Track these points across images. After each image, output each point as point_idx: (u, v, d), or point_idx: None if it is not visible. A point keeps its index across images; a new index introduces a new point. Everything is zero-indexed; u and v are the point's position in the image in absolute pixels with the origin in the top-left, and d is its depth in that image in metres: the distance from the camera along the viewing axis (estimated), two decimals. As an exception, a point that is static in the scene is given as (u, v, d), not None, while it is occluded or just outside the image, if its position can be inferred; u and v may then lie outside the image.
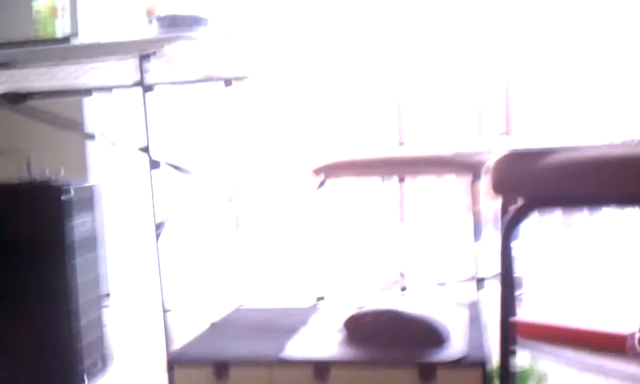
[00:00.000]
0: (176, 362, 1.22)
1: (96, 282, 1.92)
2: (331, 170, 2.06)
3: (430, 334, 1.20)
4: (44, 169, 3.09)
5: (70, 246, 1.77)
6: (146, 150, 1.76)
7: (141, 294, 3.14)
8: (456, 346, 1.17)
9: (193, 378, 1.20)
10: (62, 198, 1.75)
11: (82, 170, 3.13)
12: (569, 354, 1.85)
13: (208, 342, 1.31)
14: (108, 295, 2.13)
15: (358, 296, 2.73)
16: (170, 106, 3.14)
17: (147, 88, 1.73)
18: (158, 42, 1.63)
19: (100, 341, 1.92)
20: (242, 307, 1.60)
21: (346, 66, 3.10)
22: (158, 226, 1.77)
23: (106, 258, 2.62)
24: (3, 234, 1.77)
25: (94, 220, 1.92)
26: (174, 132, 3.16)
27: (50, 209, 1.75)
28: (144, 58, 1.70)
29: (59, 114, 3.09)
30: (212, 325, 1.44)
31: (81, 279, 1.82)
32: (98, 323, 1.91)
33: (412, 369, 1.11)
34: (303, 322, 1.41)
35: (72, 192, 1.80)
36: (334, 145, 3.21)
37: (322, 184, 2.12)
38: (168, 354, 1.54)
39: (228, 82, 2.31)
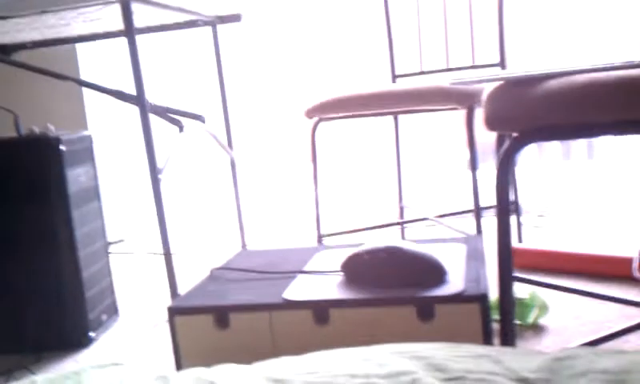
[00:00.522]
0: (177, 311, 1.22)
1: (98, 232, 1.92)
2: (324, 110, 2.04)
3: (428, 270, 1.20)
4: (38, 123, 3.07)
5: (71, 197, 1.77)
6: (136, 98, 1.74)
7: (143, 244, 3.16)
8: (455, 280, 1.17)
9: (194, 326, 1.21)
10: (60, 148, 1.74)
11: (79, 120, 3.11)
12: (570, 282, 1.86)
13: (209, 288, 1.32)
14: (110, 245, 2.14)
15: (358, 235, 2.74)
16: (160, 50, 3.09)
17: (134, 34, 1.70)
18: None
19: (104, 292, 1.93)
20: (243, 251, 1.60)
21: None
22: (157, 172, 1.76)
23: (108, 208, 2.63)
24: (4, 188, 1.77)
25: (93, 170, 1.92)
26: (164, 78, 3.12)
27: (49, 161, 1.74)
28: (129, 1, 1.66)
29: (52, 65, 3.06)
30: (213, 270, 1.45)
31: (83, 230, 1.82)
32: (102, 274, 1.92)
33: (410, 306, 1.11)
34: (304, 264, 1.41)
35: (70, 143, 1.79)
36: (327, 85, 3.17)
37: (316, 125, 2.10)
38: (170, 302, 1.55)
39: (217, 23, 2.26)
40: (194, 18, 2.15)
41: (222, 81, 2.28)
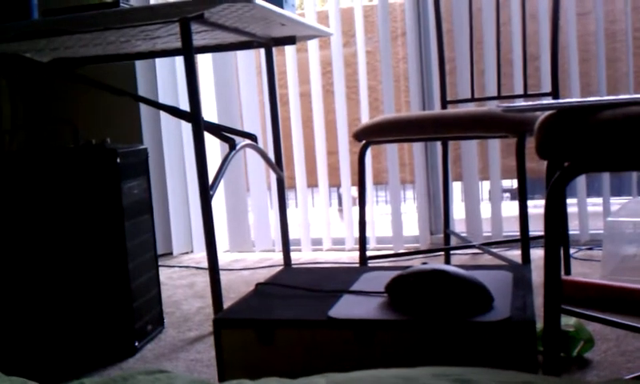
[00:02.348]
0: (222, 323, 1.24)
1: (148, 244, 1.96)
2: (373, 133, 2.05)
3: (474, 296, 1.20)
4: (96, 135, 3.16)
5: (125, 209, 1.82)
6: (191, 115, 1.78)
7: (192, 256, 3.21)
8: (501, 307, 1.17)
9: (238, 339, 1.23)
10: (117, 161, 1.79)
11: (135, 134, 3.19)
12: (617, 316, 1.82)
13: (254, 302, 1.34)
14: (159, 257, 2.18)
15: (402, 259, 2.74)
16: (215, 69, 3.16)
17: (192, 52, 1.75)
18: (203, 5, 1.63)
19: (151, 303, 1.97)
20: (288, 268, 1.62)
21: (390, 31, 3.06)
22: (208, 188, 1.79)
23: (158, 221, 2.69)
24: (60, 196, 1.83)
25: (146, 183, 1.97)
26: (217, 96, 3.18)
27: (105, 172, 1.80)
28: (189, 21, 1.71)
29: (111, 80, 3.16)
30: (258, 285, 1.47)
31: (134, 241, 1.87)
32: (150, 285, 1.96)
33: (454, 331, 1.11)
34: (348, 284, 1.42)
35: (125, 156, 1.84)
36: (376, 108, 3.19)
37: (364, 148, 2.11)
38: (215, 315, 1.57)
39: (271, 45, 2.30)
40: (249, 39, 2.20)
41: (274, 101, 2.32)
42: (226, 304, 2.17)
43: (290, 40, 2.29)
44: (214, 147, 3.19)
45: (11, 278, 1.89)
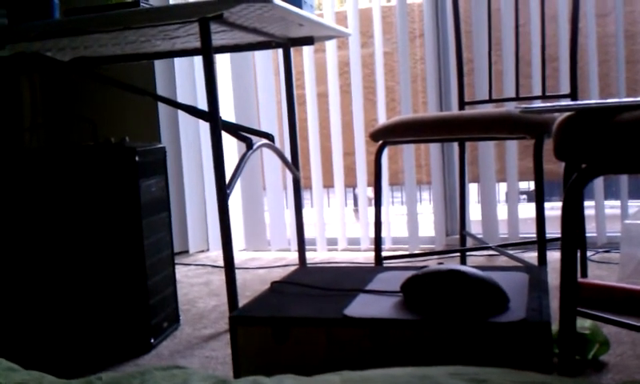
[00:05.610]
0: (238, 321, 1.25)
1: (164, 242, 1.98)
2: (390, 133, 2.06)
3: (489, 296, 1.20)
4: (114, 133, 3.19)
5: (142, 207, 1.84)
6: (209, 114, 1.79)
7: (208, 254, 3.23)
8: (516, 308, 1.17)
9: (254, 337, 1.24)
10: (135, 159, 1.81)
11: (153, 133, 3.22)
12: (634, 320, 1.81)
13: (270, 300, 1.35)
14: (175, 255, 2.20)
15: (418, 259, 2.74)
16: (233, 68, 3.18)
17: (211, 52, 1.76)
18: (222, 5, 1.64)
19: (167, 300, 1.99)
20: (303, 267, 1.63)
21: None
22: (225, 187, 1.81)
23: (176, 219, 2.71)
24: (78, 193, 1.85)
25: (163, 181, 1.98)
26: (235, 95, 3.19)
27: (124, 170, 1.81)
28: (209, 21, 1.72)
29: (130, 78, 3.18)
30: (274, 283, 1.48)
31: (151, 239, 1.89)
32: (166, 283, 1.98)
33: (469, 331, 1.11)
34: (363, 283, 1.42)
35: (144, 154, 1.86)
36: (393, 109, 3.19)
37: (380, 148, 2.11)
38: (230, 313, 1.58)
39: (290, 45, 2.31)
40: (267, 39, 2.21)
41: (291, 101, 2.33)
42: (242, 302, 2.18)
43: (308, 40, 2.29)
44: (232, 146, 3.20)
45: (29, 274, 1.92)
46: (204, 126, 3.24)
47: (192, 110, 1.98)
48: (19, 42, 1.92)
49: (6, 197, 1.91)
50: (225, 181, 1.82)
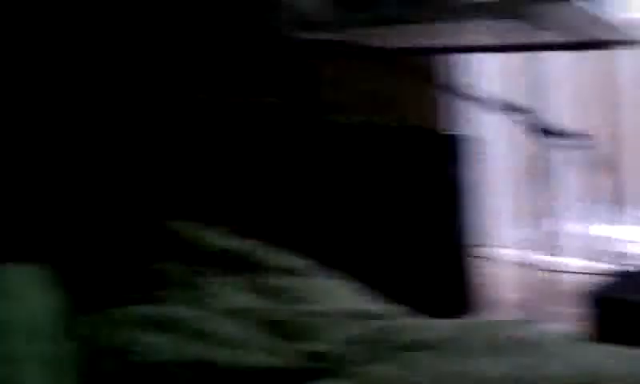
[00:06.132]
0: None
1: (465, 233, 1.98)
2: None
3: None
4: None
5: (452, 192, 1.86)
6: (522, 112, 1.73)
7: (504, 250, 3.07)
8: None
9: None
10: (451, 143, 1.85)
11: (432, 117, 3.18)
12: None
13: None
14: (473, 248, 2.16)
15: None
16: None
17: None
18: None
19: (468, 289, 1.98)
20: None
21: None
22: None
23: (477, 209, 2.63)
24: (389, 176, 1.91)
25: (469, 171, 1.98)
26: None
27: (436, 154, 1.85)
28: (515, 18, 1.68)
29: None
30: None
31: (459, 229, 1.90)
32: (467, 273, 1.97)
33: None
34: None
35: (456, 140, 1.88)
36: None
37: None
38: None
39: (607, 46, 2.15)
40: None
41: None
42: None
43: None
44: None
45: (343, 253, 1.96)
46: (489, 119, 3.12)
47: (508, 108, 1.93)
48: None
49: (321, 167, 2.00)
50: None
